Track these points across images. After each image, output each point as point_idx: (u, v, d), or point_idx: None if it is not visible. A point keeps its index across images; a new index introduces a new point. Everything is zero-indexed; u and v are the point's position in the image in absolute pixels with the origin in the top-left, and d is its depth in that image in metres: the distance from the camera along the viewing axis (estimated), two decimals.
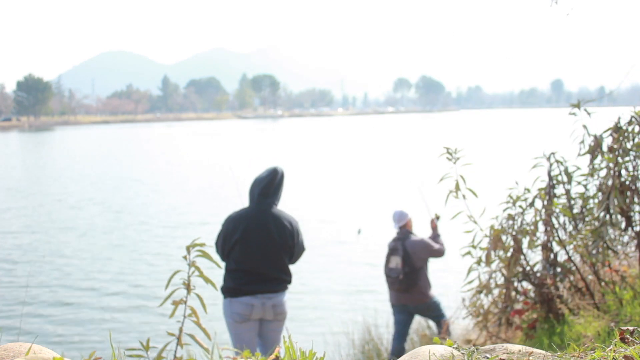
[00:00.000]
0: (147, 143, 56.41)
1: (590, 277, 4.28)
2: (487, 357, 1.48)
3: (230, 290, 4.26)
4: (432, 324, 6.37)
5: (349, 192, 21.99)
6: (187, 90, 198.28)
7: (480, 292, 4.52)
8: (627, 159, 3.81)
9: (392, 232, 6.13)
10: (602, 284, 4.14)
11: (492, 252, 4.32)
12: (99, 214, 18.16)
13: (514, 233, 4.23)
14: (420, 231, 6.16)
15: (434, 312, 5.95)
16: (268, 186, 4.34)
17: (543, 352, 1.51)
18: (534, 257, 4.39)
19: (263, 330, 4.36)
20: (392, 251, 5.91)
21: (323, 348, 2.41)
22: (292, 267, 4.50)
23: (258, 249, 4.26)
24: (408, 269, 5.78)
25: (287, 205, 4.96)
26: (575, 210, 4.24)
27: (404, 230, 5.91)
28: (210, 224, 15.14)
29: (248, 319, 4.25)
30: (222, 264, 4.37)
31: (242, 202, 4.59)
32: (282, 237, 4.30)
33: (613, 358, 1.42)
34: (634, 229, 3.92)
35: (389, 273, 5.90)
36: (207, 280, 2.33)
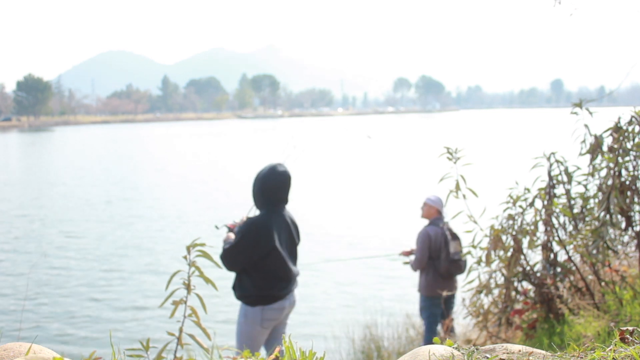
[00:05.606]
0: (146, 143, 56.39)
1: (590, 277, 4.28)
2: (487, 357, 1.48)
3: (266, 298, 4.19)
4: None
5: (348, 192, 21.98)
6: (187, 90, 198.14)
7: (480, 292, 4.51)
8: (627, 158, 3.81)
9: (416, 219, 6.06)
10: (602, 284, 4.13)
11: (492, 252, 4.31)
12: (98, 214, 18.15)
13: (514, 233, 4.23)
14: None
15: (454, 303, 5.89)
16: (286, 191, 4.35)
17: (543, 352, 1.51)
18: (534, 257, 4.39)
19: (274, 330, 4.36)
20: (453, 236, 5.71)
21: (323, 348, 2.41)
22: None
23: (287, 253, 4.31)
24: None
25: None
26: (575, 210, 4.23)
27: (441, 216, 5.82)
28: (210, 223, 15.13)
29: (276, 322, 4.28)
30: (223, 266, 4.31)
31: (235, 201, 4.60)
32: (299, 238, 4.45)
33: (613, 358, 1.42)
34: (634, 229, 3.92)
35: (455, 257, 5.67)
36: (207, 280, 2.33)
